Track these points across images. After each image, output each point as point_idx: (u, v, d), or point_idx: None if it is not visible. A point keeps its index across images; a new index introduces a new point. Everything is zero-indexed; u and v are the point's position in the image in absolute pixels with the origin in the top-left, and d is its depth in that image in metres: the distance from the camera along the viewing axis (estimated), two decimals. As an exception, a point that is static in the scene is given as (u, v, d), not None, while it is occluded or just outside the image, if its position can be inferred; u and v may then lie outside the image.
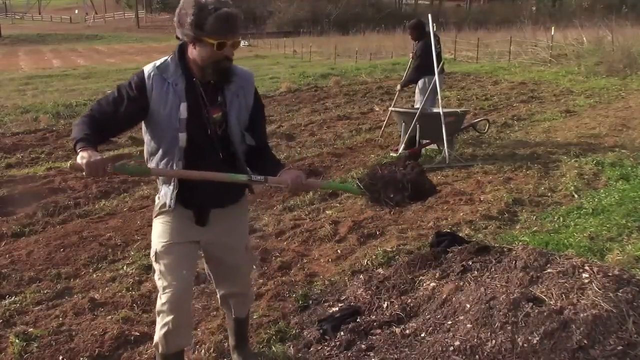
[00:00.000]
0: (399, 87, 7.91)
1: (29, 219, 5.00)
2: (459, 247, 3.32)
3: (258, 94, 2.28)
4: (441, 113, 6.46)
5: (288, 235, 4.49)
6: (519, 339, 2.36)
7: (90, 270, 3.95)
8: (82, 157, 1.86)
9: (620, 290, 2.50)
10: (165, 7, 64.46)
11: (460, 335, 2.48)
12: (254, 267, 3.70)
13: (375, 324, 2.88)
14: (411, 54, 7.66)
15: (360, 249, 4.14)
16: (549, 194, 5.26)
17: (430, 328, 2.68)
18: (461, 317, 2.61)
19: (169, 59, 2.14)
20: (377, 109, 10.61)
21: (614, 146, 6.93)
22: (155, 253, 2.23)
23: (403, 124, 6.77)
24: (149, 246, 2.62)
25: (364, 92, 13.06)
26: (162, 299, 2.16)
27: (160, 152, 2.15)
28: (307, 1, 54.08)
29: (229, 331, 2.71)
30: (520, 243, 3.75)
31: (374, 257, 3.89)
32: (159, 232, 2.25)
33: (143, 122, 2.16)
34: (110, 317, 3.22)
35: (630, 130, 7.93)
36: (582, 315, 2.38)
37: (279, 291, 3.48)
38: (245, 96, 2.19)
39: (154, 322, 3.20)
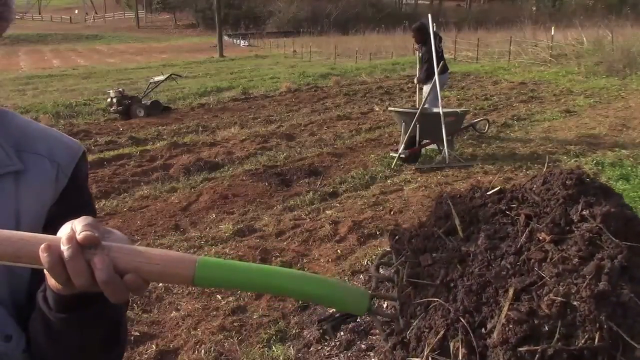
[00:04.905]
0: (416, 81, 8.04)
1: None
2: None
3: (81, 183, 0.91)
4: (441, 113, 6.46)
5: (288, 235, 4.49)
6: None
7: (90, 270, 3.95)
8: None
9: (620, 290, 2.50)
10: (165, 7, 64.57)
11: (460, 335, 2.48)
12: None
13: (375, 323, 2.88)
14: (416, 52, 7.78)
15: (360, 249, 4.14)
16: (549, 194, 5.25)
17: (430, 328, 2.68)
18: (461, 317, 2.62)
19: None
20: (377, 109, 10.62)
21: (614, 146, 6.93)
22: None
23: (403, 123, 6.77)
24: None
25: (364, 92, 13.08)
26: None
27: None
28: (307, 1, 54.13)
29: None
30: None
31: (374, 257, 3.88)
32: None
33: None
34: (110, 317, 3.22)
35: (630, 130, 7.93)
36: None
37: (279, 291, 3.48)
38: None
39: (154, 322, 3.22)
